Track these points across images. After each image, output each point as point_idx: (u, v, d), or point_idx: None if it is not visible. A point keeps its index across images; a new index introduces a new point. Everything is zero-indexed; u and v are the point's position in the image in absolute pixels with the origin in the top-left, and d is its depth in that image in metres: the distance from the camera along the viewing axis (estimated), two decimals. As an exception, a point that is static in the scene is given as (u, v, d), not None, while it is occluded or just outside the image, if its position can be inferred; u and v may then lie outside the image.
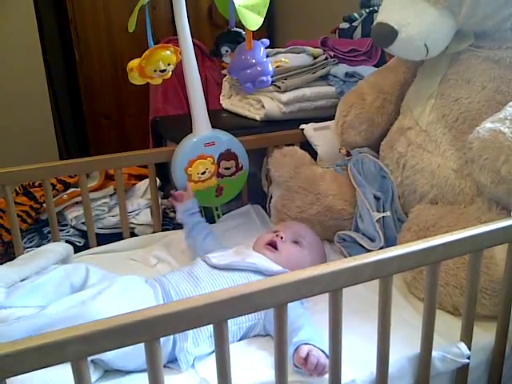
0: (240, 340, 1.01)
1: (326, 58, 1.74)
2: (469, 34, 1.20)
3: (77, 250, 1.37)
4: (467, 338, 0.96)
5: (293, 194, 1.40)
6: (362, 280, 0.80)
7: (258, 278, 1.05)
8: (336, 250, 1.36)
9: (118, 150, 1.51)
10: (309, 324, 0.95)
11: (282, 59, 1.70)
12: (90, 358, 0.70)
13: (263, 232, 1.31)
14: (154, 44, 1.29)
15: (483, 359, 1.00)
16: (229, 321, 0.73)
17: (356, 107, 1.42)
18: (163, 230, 1.52)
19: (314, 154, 1.51)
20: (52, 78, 2.97)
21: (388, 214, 1.29)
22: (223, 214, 1.56)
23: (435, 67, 1.27)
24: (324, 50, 1.78)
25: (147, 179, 1.54)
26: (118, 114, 2.93)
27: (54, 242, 1.38)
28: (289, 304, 0.75)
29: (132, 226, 1.52)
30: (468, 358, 0.95)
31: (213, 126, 1.41)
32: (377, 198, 1.31)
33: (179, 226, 1.41)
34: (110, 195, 1.54)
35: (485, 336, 1.00)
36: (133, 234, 1.51)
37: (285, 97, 1.62)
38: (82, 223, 1.48)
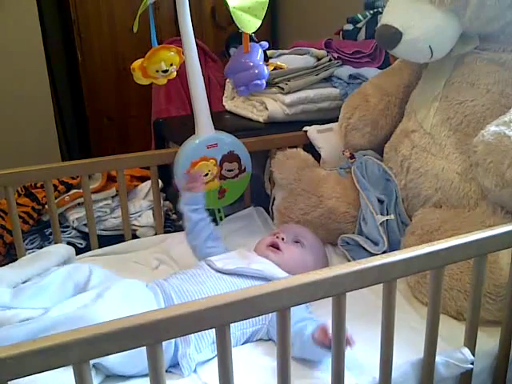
0: (243, 344, 1.01)
1: (330, 60, 1.73)
2: (473, 36, 1.19)
3: (78, 251, 1.37)
4: (471, 343, 0.95)
5: (296, 197, 1.39)
6: (366, 284, 0.80)
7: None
8: (339, 253, 1.35)
9: (119, 151, 1.51)
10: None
11: (278, 63, 1.69)
12: (92, 362, 0.69)
13: (265, 235, 1.30)
14: (158, 45, 1.28)
15: (487, 365, 1.00)
16: (232, 325, 0.72)
17: (360, 109, 1.41)
18: (165, 232, 1.52)
19: (317, 156, 1.50)
20: (54, 78, 2.97)
21: (392, 217, 1.28)
22: (226, 217, 1.55)
23: (440, 70, 1.26)
24: (328, 52, 1.78)
25: (149, 181, 1.53)
26: (120, 115, 2.92)
27: (55, 243, 1.38)
28: (294, 308, 0.74)
29: (134, 227, 1.52)
30: (472, 364, 0.94)
31: (215, 128, 1.41)
32: (380, 201, 1.30)
33: (181, 228, 1.40)
34: (112, 197, 1.53)
35: (489, 341, 1.00)
36: (134, 236, 1.50)
37: (288, 98, 1.61)
38: (84, 225, 1.47)
